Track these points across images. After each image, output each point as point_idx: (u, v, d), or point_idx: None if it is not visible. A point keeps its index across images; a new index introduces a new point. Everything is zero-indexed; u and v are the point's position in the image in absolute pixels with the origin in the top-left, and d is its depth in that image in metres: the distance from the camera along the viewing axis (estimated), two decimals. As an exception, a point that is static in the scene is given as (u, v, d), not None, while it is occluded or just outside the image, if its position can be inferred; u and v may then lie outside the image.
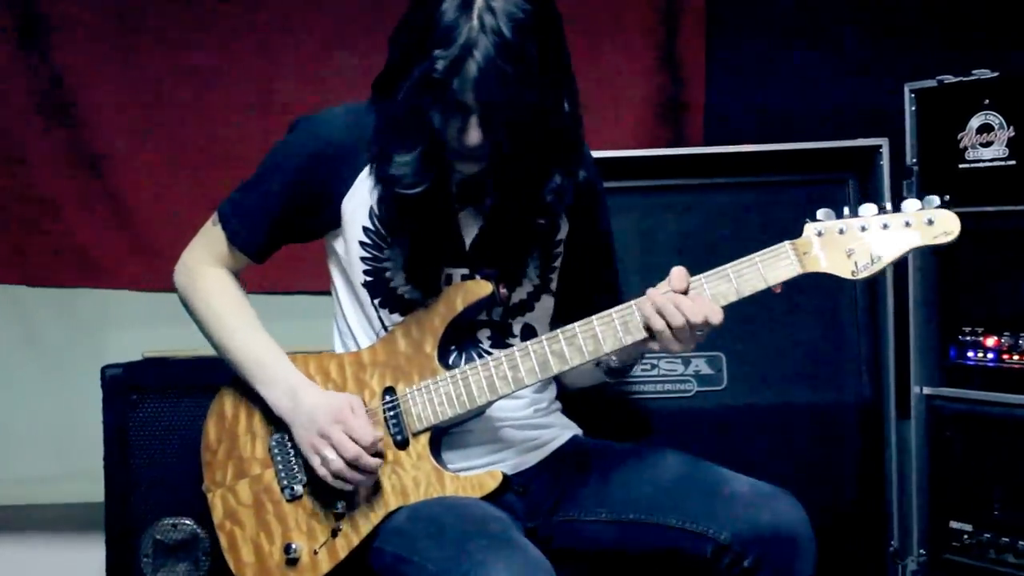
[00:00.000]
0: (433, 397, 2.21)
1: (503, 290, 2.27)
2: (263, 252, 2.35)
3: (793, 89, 3.55)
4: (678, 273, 2.09)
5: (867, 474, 3.06)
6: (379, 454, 2.21)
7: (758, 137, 3.13)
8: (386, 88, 2.09)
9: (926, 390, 3.06)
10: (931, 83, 3.00)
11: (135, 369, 3.08)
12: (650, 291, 2.10)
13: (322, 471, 2.19)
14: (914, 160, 3.04)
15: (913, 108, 3.03)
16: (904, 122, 3.04)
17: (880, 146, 3.02)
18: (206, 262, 2.35)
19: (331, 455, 2.17)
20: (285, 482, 2.28)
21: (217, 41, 3.57)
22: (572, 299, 2.39)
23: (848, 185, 3.06)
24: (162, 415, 3.05)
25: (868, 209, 2.08)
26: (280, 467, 2.29)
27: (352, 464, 2.17)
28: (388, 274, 2.26)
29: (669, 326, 2.07)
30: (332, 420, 2.17)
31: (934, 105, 3.01)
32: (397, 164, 2.07)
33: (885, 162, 3.01)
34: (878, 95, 3.28)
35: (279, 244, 2.36)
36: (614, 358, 2.25)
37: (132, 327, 3.59)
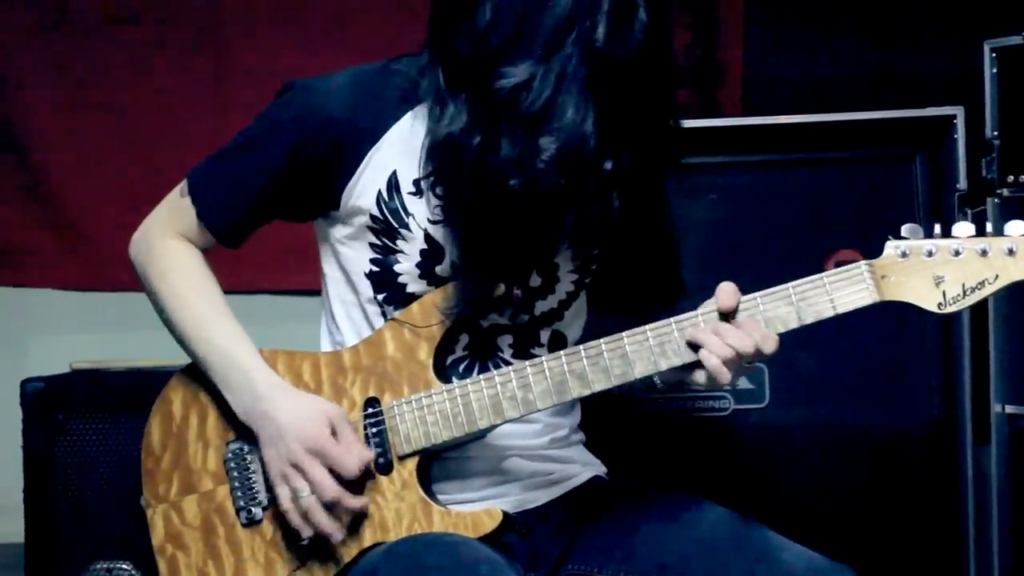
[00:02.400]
0: (425, 415, 2.16)
1: (516, 290, 2.21)
2: (237, 235, 2.30)
3: (849, 50, 3.58)
4: (726, 292, 2.07)
5: (939, 509, 3.02)
6: (366, 476, 2.17)
7: (806, 107, 3.08)
8: (481, 72, 2.01)
9: (1008, 408, 3.02)
10: (1016, 40, 2.97)
11: (62, 383, 3.04)
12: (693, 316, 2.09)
13: (287, 506, 2.14)
14: (995, 133, 2.99)
15: (994, 70, 2.99)
16: (983, 87, 3.00)
17: (954, 116, 2.98)
18: (168, 235, 2.31)
19: (303, 491, 2.13)
20: (242, 503, 2.23)
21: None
22: (621, 293, 2.34)
23: (916, 163, 3.04)
24: (94, 438, 2.99)
25: (964, 228, 2.03)
26: (236, 484, 2.24)
27: (329, 507, 2.12)
28: (398, 267, 2.22)
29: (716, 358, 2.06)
30: (306, 449, 2.12)
31: (1019, 66, 2.97)
32: (545, 155, 1.97)
33: (960, 135, 2.98)
34: (951, 55, 3.34)
35: (257, 226, 2.31)
36: (658, 379, 2.21)
37: (58, 333, 3.60)
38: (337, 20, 3.61)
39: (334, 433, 2.15)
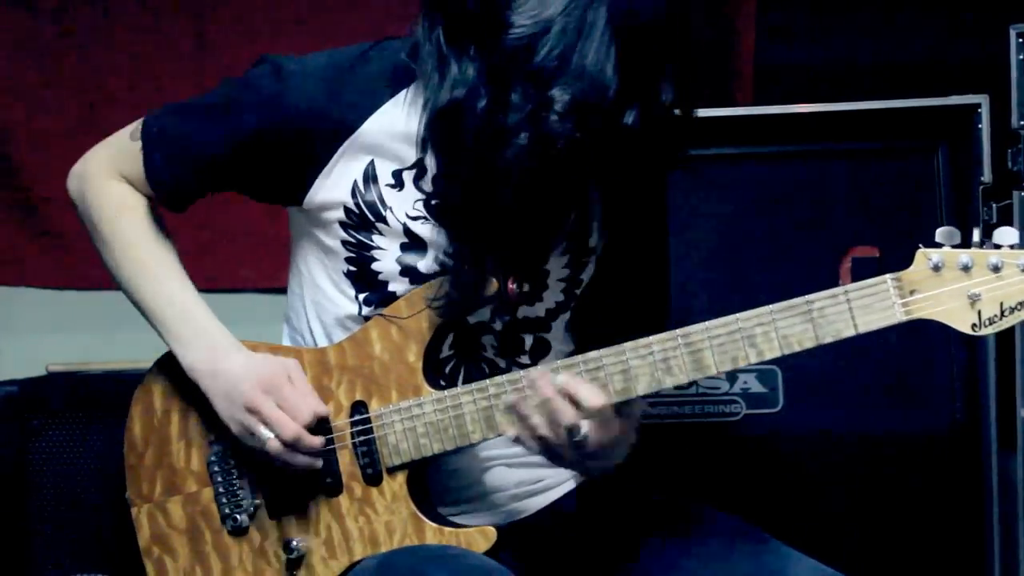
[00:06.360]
0: (416, 425, 2.15)
1: (512, 284, 2.18)
2: (182, 200, 2.28)
3: (867, 35, 3.57)
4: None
5: (962, 518, 3.00)
6: (324, 426, 2.17)
7: (821, 96, 3.07)
8: (491, 22, 1.98)
9: (1035, 413, 3.03)
10: (1044, 23, 2.95)
11: (36, 386, 3.07)
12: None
13: (260, 455, 2.16)
14: (1021, 122, 2.94)
15: (1020, 56, 2.94)
16: (1009, 74, 2.94)
17: (978, 105, 2.96)
18: (111, 175, 2.29)
19: (265, 434, 2.13)
20: (227, 509, 2.24)
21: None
22: (602, 311, 2.30)
23: (938, 154, 3.03)
24: (70, 444, 3.01)
25: (1006, 235, 1.94)
26: (221, 489, 2.25)
27: (291, 446, 2.12)
28: (376, 265, 2.20)
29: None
30: (261, 389, 2.13)
31: (1047, 52, 2.94)
32: (558, 106, 1.95)
33: (985, 125, 2.96)
34: (975, 41, 3.32)
35: (204, 194, 2.29)
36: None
37: (33, 333, 3.61)
38: (325, 9, 3.63)
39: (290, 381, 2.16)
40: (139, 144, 2.25)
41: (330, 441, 2.18)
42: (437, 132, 2.06)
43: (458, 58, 2.01)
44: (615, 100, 1.95)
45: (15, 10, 3.60)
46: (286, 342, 2.35)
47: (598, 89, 1.94)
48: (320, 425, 2.15)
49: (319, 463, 2.15)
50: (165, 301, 2.23)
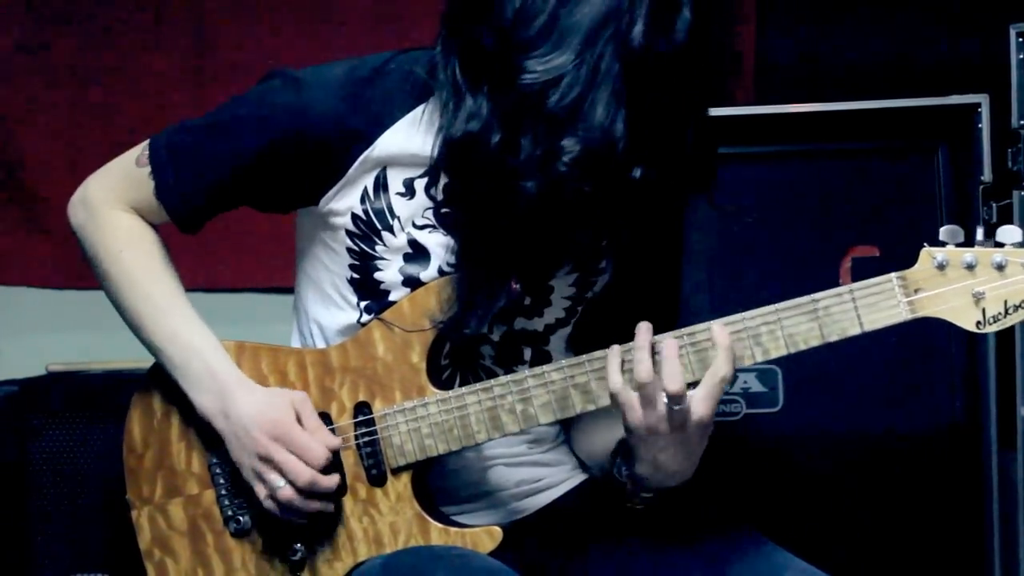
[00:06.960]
0: (420, 426, 2.14)
1: (515, 284, 2.15)
2: (197, 221, 2.24)
3: (867, 35, 3.55)
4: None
5: (962, 517, 3.00)
6: (337, 464, 2.15)
7: (821, 95, 3.07)
8: (505, 65, 1.97)
9: (1035, 412, 3.02)
10: (1044, 23, 2.95)
11: (36, 386, 3.07)
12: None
13: (268, 503, 2.13)
14: (1021, 122, 2.95)
15: (1020, 56, 2.94)
16: (1009, 74, 2.95)
17: (978, 105, 2.97)
18: (117, 205, 2.25)
19: (278, 482, 2.10)
20: (229, 511, 2.22)
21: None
22: (608, 327, 2.22)
23: (938, 154, 3.03)
24: (71, 444, 3.01)
25: (1010, 233, 1.95)
26: (223, 491, 2.23)
27: (306, 492, 2.10)
28: (379, 275, 2.19)
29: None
30: (270, 436, 2.10)
31: (1047, 51, 2.93)
32: (567, 157, 1.93)
33: (985, 124, 2.96)
34: (975, 40, 3.32)
35: (219, 211, 2.25)
36: (641, 469, 2.09)
37: (32, 333, 3.61)
38: (326, 15, 3.62)
39: (299, 419, 2.13)
40: (147, 169, 2.21)
41: None
42: (449, 159, 2.05)
43: (473, 92, 1.99)
44: (624, 154, 1.93)
45: (15, 10, 3.58)
46: (295, 341, 2.34)
47: (607, 143, 1.92)
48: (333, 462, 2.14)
49: (331, 507, 2.14)
50: (168, 338, 2.20)
